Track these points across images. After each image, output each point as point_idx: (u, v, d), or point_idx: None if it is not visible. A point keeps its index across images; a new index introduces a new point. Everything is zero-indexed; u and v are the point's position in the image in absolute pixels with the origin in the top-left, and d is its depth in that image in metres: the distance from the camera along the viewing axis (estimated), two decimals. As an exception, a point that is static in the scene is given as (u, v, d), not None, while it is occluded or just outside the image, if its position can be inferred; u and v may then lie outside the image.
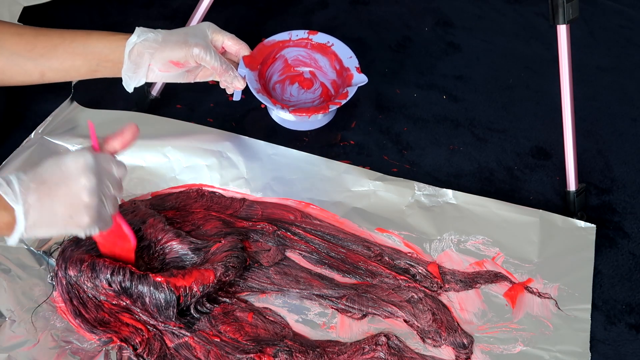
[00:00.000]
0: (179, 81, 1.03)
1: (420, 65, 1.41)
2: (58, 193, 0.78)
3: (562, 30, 1.04)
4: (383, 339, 0.92)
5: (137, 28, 0.97)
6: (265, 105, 1.22)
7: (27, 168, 1.05)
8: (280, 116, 1.19)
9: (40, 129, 1.14)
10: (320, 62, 1.21)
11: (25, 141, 1.12)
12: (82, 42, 0.95)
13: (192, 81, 1.05)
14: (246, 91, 1.10)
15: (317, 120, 1.20)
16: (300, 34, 1.18)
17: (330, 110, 1.13)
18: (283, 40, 1.18)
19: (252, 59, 1.08)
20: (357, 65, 1.15)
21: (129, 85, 1.00)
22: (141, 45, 0.96)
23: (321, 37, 1.18)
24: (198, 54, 0.97)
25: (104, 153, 0.83)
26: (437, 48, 1.46)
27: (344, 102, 1.12)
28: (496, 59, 1.45)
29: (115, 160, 0.84)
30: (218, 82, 1.09)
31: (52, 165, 0.79)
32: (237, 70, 1.06)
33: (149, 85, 1.26)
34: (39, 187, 0.77)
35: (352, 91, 1.13)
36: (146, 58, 0.96)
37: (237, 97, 1.09)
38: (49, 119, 1.16)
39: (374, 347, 0.91)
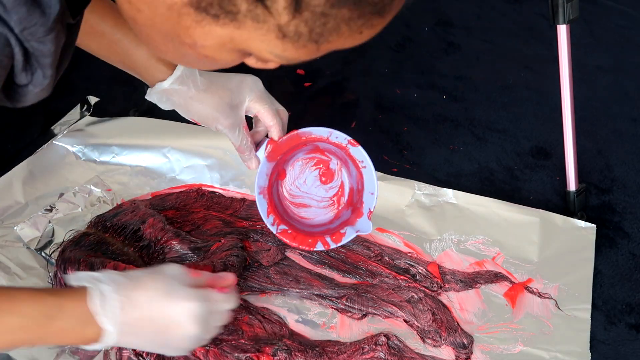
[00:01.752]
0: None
1: (420, 65, 1.42)
2: (159, 330, 0.75)
3: (562, 30, 1.04)
4: (383, 339, 0.92)
5: (176, 69, 0.89)
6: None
7: (35, 178, 1.05)
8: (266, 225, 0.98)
9: (57, 137, 1.14)
10: (350, 167, 1.01)
11: (40, 149, 1.12)
12: (125, 51, 0.89)
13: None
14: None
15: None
16: (341, 137, 0.95)
17: (315, 248, 0.96)
18: (320, 137, 0.96)
19: (277, 147, 0.94)
20: (372, 209, 0.97)
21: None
22: (168, 92, 0.90)
23: (358, 153, 0.96)
24: (221, 130, 0.91)
25: (213, 291, 0.80)
26: (437, 48, 1.46)
27: (334, 246, 0.96)
28: (496, 59, 1.45)
29: (225, 296, 0.81)
30: None
31: (159, 300, 0.75)
32: (257, 150, 0.95)
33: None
34: (138, 320, 0.74)
35: (349, 236, 0.96)
36: (170, 104, 0.92)
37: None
38: (64, 131, 1.16)
39: (374, 347, 0.91)
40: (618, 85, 1.40)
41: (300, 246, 0.95)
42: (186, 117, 0.92)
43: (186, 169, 1.13)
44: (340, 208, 1.02)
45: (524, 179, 1.20)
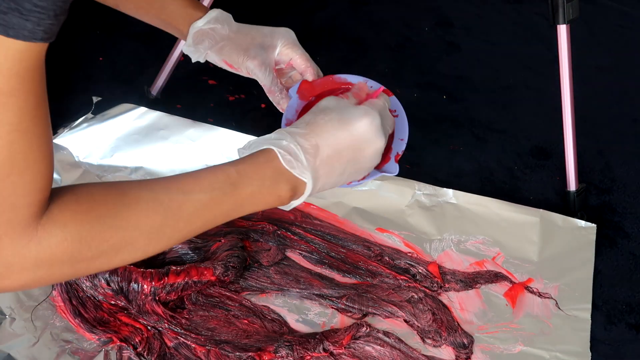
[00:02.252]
0: (237, 73, 0.97)
1: (420, 65, 1.42)
2: (350, 157, 0.76)
3: (562, 30, 1.04)
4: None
5: (211, 11, 0.92)
6: (265, 105, 1.12)
7: None
8: None
9: (57, 137, 1.14)
10: None
11: None
12: (161, 5, 0.92)
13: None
14: (248, 91, 1.10)
15: None
16: (375, 86, 0.95)
17: (352, 185, 0.94)
18: (354, 83, 0.95)
19: (310, 87, 0.95)
20: (400, 153, 0.95)
21: (192, 58, 0.95)
22: (204, 32, 0.92)
23: (394, 102, 0.96)
24: (252, 69, 0.92)
25: (374, 101, 0.81)
26: (437, 48, 1.46)
27: (356, 183, 0.92)
28: (496, 59, 1.45)
29: (382, 97, 0.83)
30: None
31: (339, 129, 0.75)
32: (289, 90, 0.95)
33: (149, 86, 1.26)
34: (330, 156, 0.74)
35: (373, 175, 0.93)
36: (205, 45, 0.92)
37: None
38: (65, 131, 1.16)
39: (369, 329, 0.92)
40: (618, 85, 1.41)
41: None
42: (218, 63, 0.94)
43: (186, 169, 1.13)
44: None
45: (524, 179, 1.20)
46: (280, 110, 0.96)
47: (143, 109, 1.19)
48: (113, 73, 1.34)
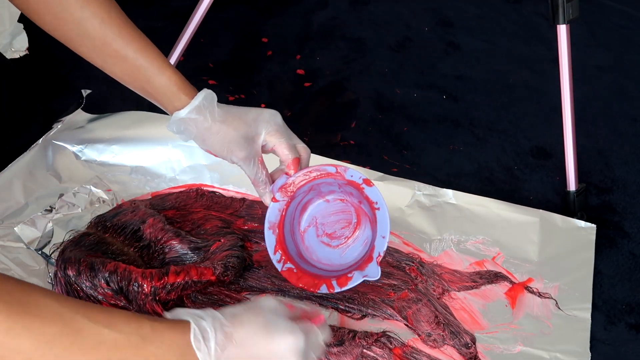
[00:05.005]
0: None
1: (420, 65, 1.42)
2: None
3: (562, 30, 1.04)
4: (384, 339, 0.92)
5: (198, 95, 0.89)
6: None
7: (35, 178, 1.04)
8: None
9: (49, 134, 1.14)
10: (365, 207, 0.98)
11: (33, 146, 1.12)
12: (147, 77, 0.89)
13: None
14: (248, 91, 1.10)
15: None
16: (356, 176, 0.94)
17: (319, 291, 0.93)
18: (333, 173, 0.94)
19: (292, 181, 0.94)
20: (382, 254, 0.92)
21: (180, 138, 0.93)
22: (187, 121, 0.89)
23: (373, 194, 0.93)
24: (236, 162, 0.91)
25: (310, 323, 0.78)
26: (437, 48, 1.46)
27: (338, 290, 0.92)
28: (496, 59, 1.45)
29: (322, 328, 0.79)
30: None
31: (259, 336, 0.73)
32: (272, 184, 0.94)
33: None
34: (238, 357, 0.72)
35: (355, 281, 0.92)
36: (187, 134, 0.90)
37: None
38: (59, 126, 1.16)
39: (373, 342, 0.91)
40: (618, 85, 1.41)
41: (303, 287, 0.93)
42: (202, 148, 0.92)
43: (186, 169, 1.13)
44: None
45: (524, 179, 1.20)
46: (264, 203, 0.95)
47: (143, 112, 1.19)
48: (113, 73, 1.34)
